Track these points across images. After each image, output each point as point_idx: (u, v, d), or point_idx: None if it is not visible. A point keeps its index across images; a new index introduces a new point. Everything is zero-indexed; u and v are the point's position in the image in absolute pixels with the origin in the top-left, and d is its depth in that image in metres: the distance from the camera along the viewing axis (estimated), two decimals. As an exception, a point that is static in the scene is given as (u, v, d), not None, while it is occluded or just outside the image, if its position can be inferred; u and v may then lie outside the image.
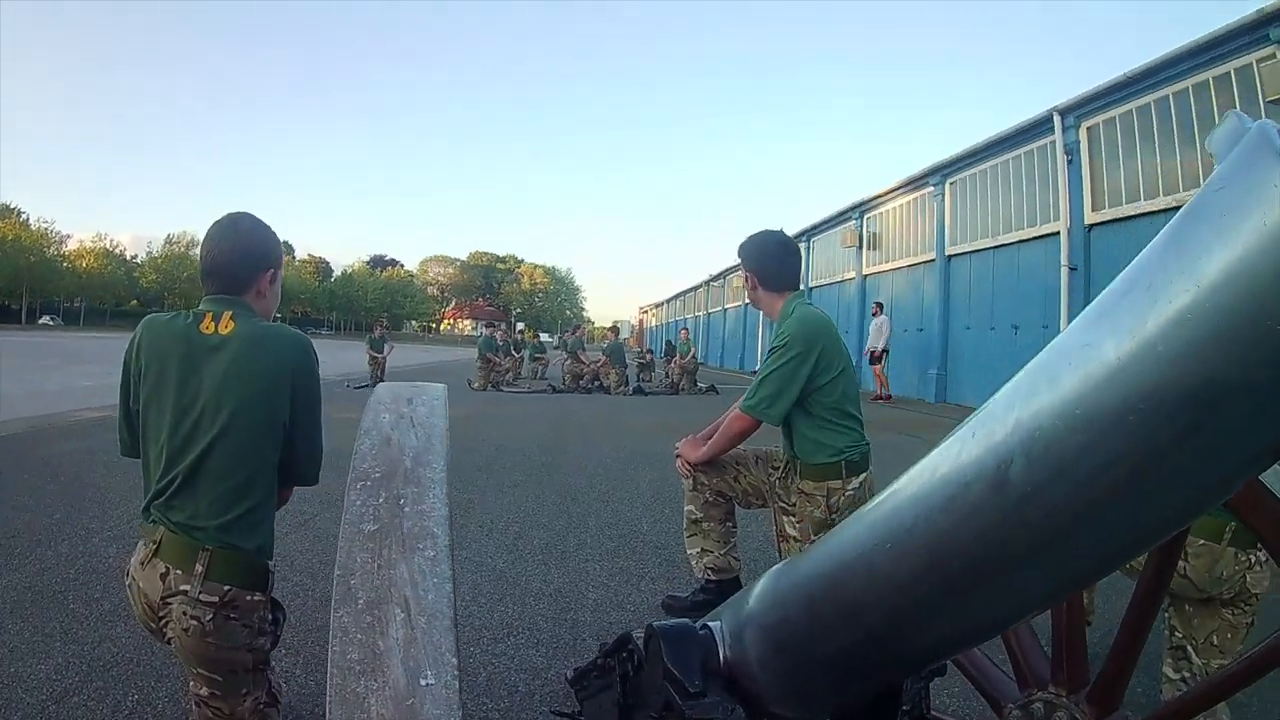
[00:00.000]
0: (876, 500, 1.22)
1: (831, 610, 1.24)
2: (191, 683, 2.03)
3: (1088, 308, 0.93)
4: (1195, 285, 0.73)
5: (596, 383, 20.62)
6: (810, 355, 3.24)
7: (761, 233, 3.56)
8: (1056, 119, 14.53)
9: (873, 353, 18.40)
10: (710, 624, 1.48)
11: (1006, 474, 0.92)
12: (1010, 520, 0.93)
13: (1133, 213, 12.78)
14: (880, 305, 19.50)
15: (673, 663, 1.39)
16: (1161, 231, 0.84)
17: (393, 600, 0.72)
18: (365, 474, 0.87)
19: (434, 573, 0.75)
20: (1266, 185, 0.70)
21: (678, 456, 3.77)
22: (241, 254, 2.22)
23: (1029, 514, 0.91)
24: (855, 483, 3.25)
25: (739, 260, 3.63)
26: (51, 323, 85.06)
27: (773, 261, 3.51)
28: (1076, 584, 1.06)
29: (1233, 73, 11.08)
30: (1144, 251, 0.86)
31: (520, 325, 76.98)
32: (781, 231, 3.60)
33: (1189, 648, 2.41)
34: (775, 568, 1.44)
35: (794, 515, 3.34)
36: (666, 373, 23.93)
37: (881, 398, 17.82)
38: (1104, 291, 0.90)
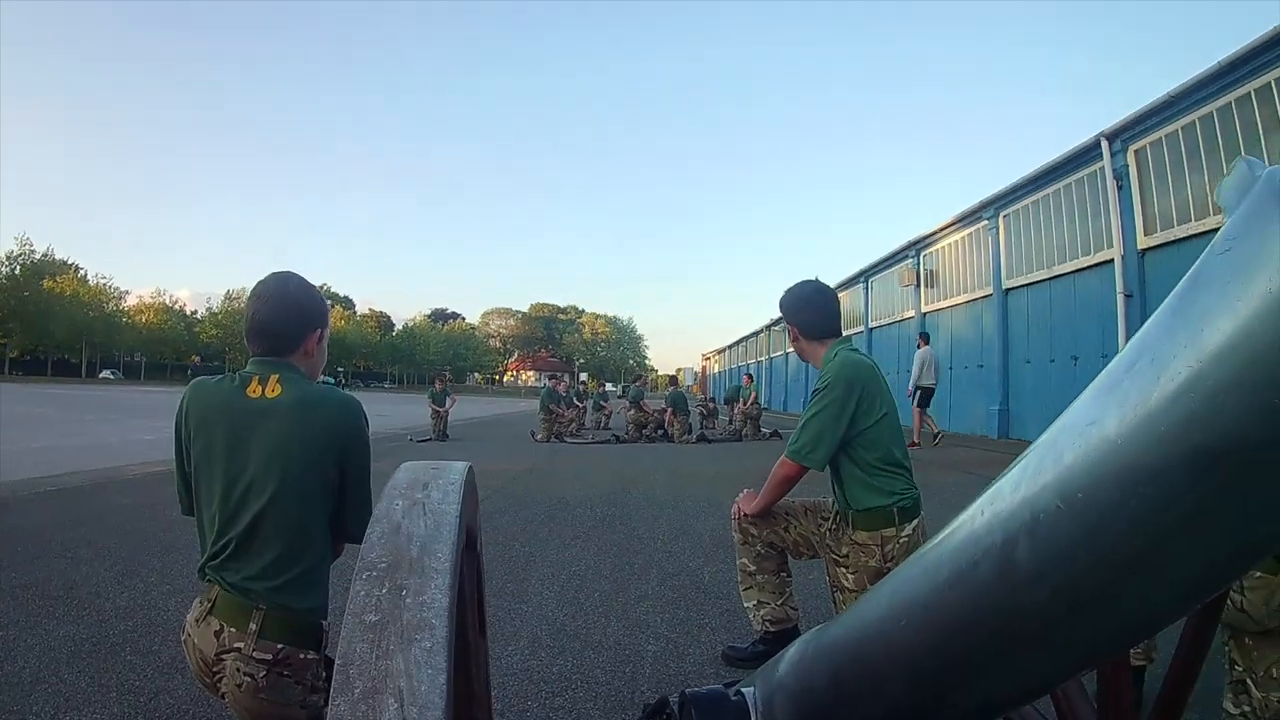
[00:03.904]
0: (897, 570, 1.22)
1: (854, 681, 1.23)
2: None
3: (1095, 380, 0.89)
4: (1198, 359, 0.68)
5: (660, 431, 20.56)
6: (851, 398, 3.26)
7: (798, 284, 3.62)
8: (1104, 144, 14.44)
9: (916, 391, 16.32)
10: (744, 690, 1.48)
11: (1013, 555, 0.89)
12: (1019, 602, 0.90)
13: (1184, 235, 12.62)
14: (926, 336, 17.75)
15: None
16: (1168, 298, 0.81)
17: (388, 691, 0.76)
18: (372, 564, 0.90)
19: (429, 664, 0.78)
20: (1272, 246, 0.65)
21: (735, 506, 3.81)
22: (290, 315, 2.20)
23: (1037, 597, 0.88)
24: (908, 529, 3.24)
25: (780, 314, 3.68)
26: (112, 377, 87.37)
27: (809, 311, 3.55)
28: (1093, 663, 1.02)
29: (1273, 84, 10.99)
30: (1150, 320, 0.83)
31: (583, 375, 77.03)
32: (817, 280, 3.65)
33: (1249, 681, 2.36)
34: (806, 635, 1.44)
35: (848, 567, 3.34)
36: (730, 419, 23.79)
37: (913, 444, 14.82)
38: (1110, 363, 0.87)
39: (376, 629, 0.82)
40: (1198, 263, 0.76)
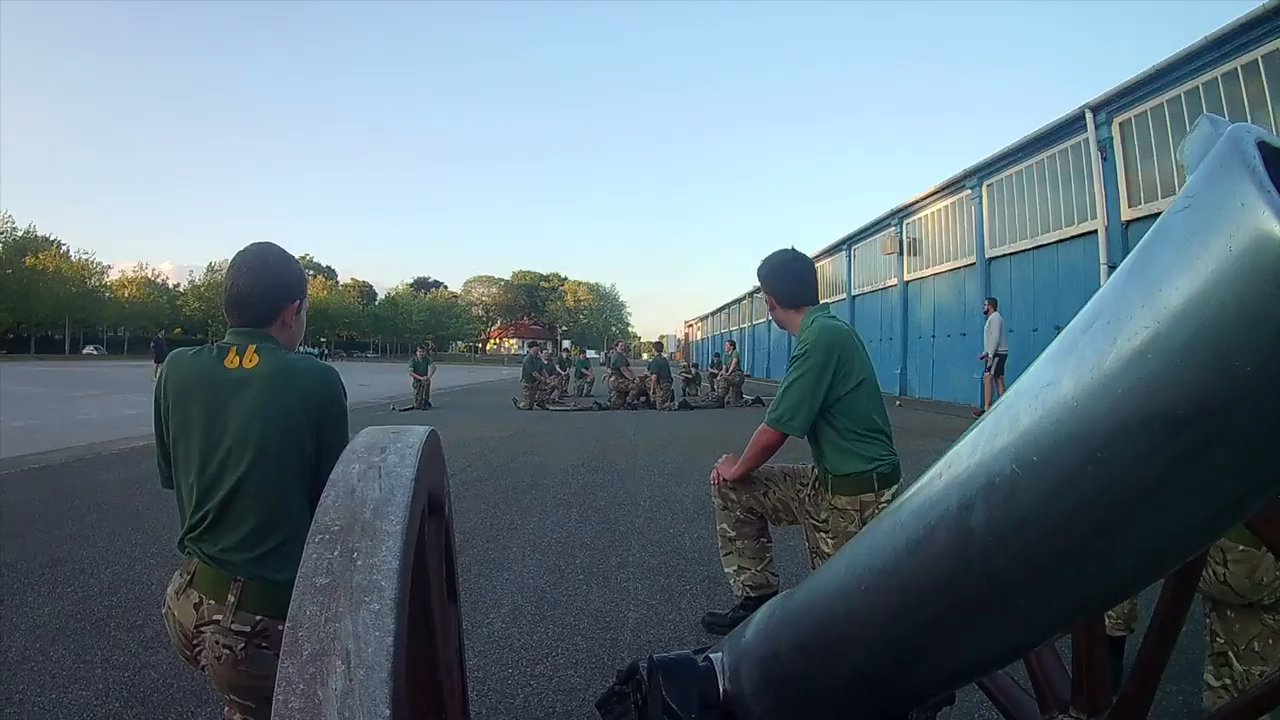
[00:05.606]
0: (860, 535, 1.19)
1: (818, 647, 1.21)
2: (226, 709, 2.07)
3: (1054, 342, 0.85)
4: (1156, 320, 0.65)
5: (643, 398, 20.61)
6: (829, 365, 3.26)
7: (774, 253, 3.62)
8: (1089, 116, 14.47)
9: (987, 359, 15.48)
10: (712, 655, 1.47)
11: (968, 521, 0.86)
12: (975, 568, 0.87)
13: (1167, 207, 12.51)
14: (994, 301, 15.96)
15: (670, 695, 1.40)
16: (1126, 258, 0.77)
17: (335, 653, 0.75)
18: (325, 527, 0.89)
19: (377, 626, 0.77)
20: (1232, 203, 0.61)
21: (715, 472, 3.82)
22: (269, 286, 2.19)
23: (994, 563, 0.85)
24: (888, 495, 3.25)
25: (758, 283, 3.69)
26: (95, 352, 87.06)
27: (786, 279, 3.55)
28: (1057, 631, 1.00)
29: (1260, 60, 10.99)
30: (1108, 280, 0.79)
31: (566, 343, 76.79)
32: (793, 249, 3.64)
33: (1230, 654, 2.37)
34: (772, 599, 1.43)
35: (827, 532, 3.35)
36: (712, 385, 23.81)
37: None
38: (1069, 325, 0.83)
39: (326, 591, 0.81)
40: (1157, 222, 0.73)
